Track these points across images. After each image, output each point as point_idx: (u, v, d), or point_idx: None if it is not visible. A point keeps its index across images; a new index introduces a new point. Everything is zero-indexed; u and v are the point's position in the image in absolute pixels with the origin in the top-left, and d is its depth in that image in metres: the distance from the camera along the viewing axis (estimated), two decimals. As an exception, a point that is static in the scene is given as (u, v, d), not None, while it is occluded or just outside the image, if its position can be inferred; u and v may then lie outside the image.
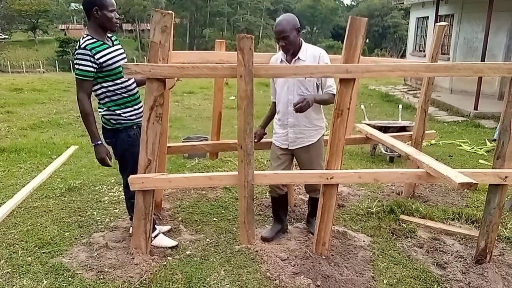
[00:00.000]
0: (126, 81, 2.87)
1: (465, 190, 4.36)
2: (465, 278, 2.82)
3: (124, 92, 2.88)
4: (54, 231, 3.34)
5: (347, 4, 73.95)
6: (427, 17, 14.27)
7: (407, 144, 3.81)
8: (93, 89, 2.79)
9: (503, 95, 3.01)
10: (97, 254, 3.00)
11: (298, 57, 2.95)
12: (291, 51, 2.95)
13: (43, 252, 3.02)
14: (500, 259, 3.06)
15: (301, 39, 2.98)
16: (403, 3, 16.75)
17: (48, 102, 11.38)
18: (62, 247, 3.10)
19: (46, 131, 7.66)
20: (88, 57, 2.67)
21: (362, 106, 7.16)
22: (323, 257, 2.95)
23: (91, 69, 2.69)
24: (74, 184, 4.36)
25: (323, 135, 3.18)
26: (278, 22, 2.91)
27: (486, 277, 2.82)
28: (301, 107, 2.75)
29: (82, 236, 3.28)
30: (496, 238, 3.06)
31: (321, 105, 3.08)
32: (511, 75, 2.68)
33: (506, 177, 2.75)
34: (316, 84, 2.99)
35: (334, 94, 2.84)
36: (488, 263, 2.95)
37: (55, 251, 3.03)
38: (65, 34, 49.05)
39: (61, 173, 4.86)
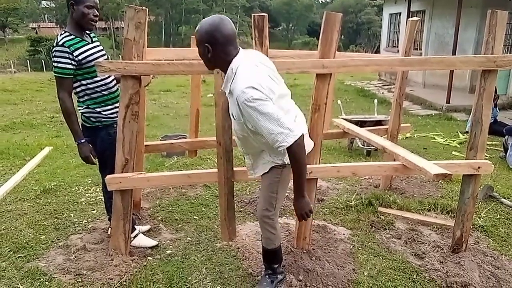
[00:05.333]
0: (105, 78, 2.81)
1: (440, 181, 4.46)
2: (442, 267, 2.89)
3: (104, 90, 2.82)
4: (29, 234, 3.25)
5: (321, 1, 74.58)
6: (400, 13, 14.55)
7: (383, 137, 3.87)
8: None
9: (474, 88, 3.10)
10: (75, 256, 2.93)
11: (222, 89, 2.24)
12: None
13: (18, 257, 2.93)
14: (475, 247, 3.15)
15: (234, 54, 2.10)
16: (376, -1, 17.00)
17: (20, 102, 11.07)
18: (38, 250, 3.02)
19: (18, 132, 7.45)
20: (66, 54, 2.60)
21: (339, 101, 7.24)
22: (304, 251, 2.97)
23: (70, 66, 2.63)
24: (50, 186, 4.24)
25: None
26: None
27: (463, 265, 2.90)
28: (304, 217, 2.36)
29: (58, 239, 3.20)
30: (471, 227, 3.14)
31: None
32: (481, 68, 2.75)
33: (479, 167, 2.83)
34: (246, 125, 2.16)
35: (290, 148, 2.04)
36: (464, 252, 3.03)
37: (31, 255, 2.95)
38: (36, 33, 47.67)
39: (35, 175, 4.73)
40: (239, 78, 2.01)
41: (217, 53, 2.06)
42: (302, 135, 2.06)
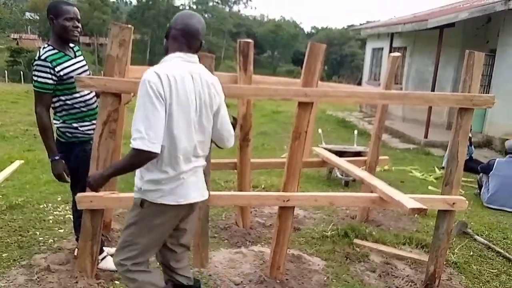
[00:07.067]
0: (86, 94, 2.75)
1: (416, 215, 4.49)
2: (415, 303, 2.86)
3: (83, 106, 2.76)
4: (-10, 252, 3.09)
5: (307, 32, 76.40)
6: (382, 48, 14.98)
7: (362, 168, 3.89)
8: None
9: (451, 125, 3.17)
10: (38, 277, 2.78)
11: None
12: None
13: (-24, 275, 2.76)
14: (448, 283, 3.15)
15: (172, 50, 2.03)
16: (360, 33, 17.51)
17: (-6, 113, 10.78)
18: (-2, 269, 2.86)
19: (-11, 144, 7.21)
20: (48, 69, 2.54)
21: (320, 131, 7.31)
22: (278, 281, 2.90)
23: (51, 81, 2.57)
24: (16, 202, 4.07)
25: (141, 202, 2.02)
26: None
27: (435, 302, 2.88)
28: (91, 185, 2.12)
29: (21, 258, 3.04)
30: (444, 263, 3.15)
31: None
32: (458, 106, 2.82)
33: (453, 203, 2.86)
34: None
35: (134, 151, 1.84)
36: (437, 288, 3.02)
37: (-10, 274, 2.79)
38: (17, 44, 46.92)
39: (2, 189, 4.54)
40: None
41: (170, 39, 2.02)
42: (155, 154, 1.83)
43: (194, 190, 2.07)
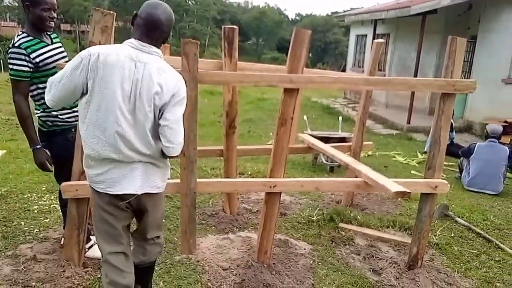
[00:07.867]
0: None
1: (399, 198, 4.58)
2: (398, 283, 2.95)
3: None
4: (-26, 243, 3.05)
5: (291, 19, 76.00)
6: (366, 35, 15.04)
7: (346, 154, 3.94)
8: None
9: (432, 111, 3.23)
10: (24, 267, 2.77)
11: None
12: None
13: (-39, 266, 2.73)
14: (430, 264, 3.24)
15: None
16: (344, 20, 17.52)
17: (-27, 103, 10.50)
18: (-17, 260, 2.83)
19: (-31, 134, 7.04)
20: (22, 56, 2.49)
21: (305, 117, 7.35)
22: (265, 265, 2.95)
23: (27, 69, 2.51)
24: (0, 192, 4.01)
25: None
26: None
27: (418, 281, 2.97)
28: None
29: (7, 248, 3.02)
30: (427, 244, 3.23)
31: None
32: (441, 91, 2.87)
33: (436, 186, 2.93)
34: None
35: None
36: (420, 269, 3.10)
37: (-25, 265, 2.76)
38: (-5, 31, 45.62)
39: (-16, 179, 4.46)
40: None
41: (134, 26, 2.02)
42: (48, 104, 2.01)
43: (121, 182, 1.99)
